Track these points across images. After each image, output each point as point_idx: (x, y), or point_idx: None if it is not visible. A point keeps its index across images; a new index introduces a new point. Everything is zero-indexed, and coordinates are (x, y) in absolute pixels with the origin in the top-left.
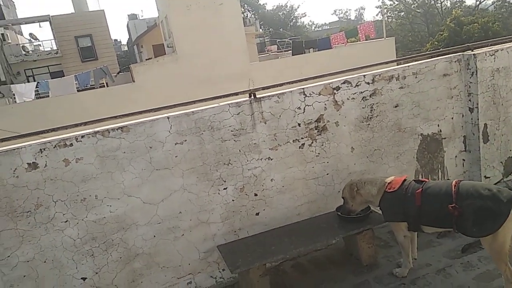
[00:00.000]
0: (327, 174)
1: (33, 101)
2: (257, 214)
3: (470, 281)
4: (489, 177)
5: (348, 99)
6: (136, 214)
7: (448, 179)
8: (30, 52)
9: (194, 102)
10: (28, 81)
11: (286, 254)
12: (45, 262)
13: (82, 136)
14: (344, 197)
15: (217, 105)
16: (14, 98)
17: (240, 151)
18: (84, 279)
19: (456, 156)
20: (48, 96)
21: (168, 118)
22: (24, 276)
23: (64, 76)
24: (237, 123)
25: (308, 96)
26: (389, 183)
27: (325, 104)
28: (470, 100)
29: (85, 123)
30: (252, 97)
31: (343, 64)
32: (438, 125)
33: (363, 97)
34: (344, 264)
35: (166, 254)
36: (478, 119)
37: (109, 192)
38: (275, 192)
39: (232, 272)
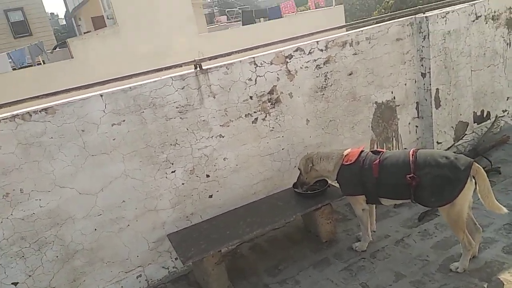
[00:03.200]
0: (283, 149)
1: None
2: (210, 196)
3: (428, 250)
4: (441, 143)
5: (301, 68)
6: (71, 206)
7: (403, 148)
8: None
9: (131, 76)
10: None
11: (242, 237)
12: None
13: None
14: (300, 169)
15: (158, 78)
16: None
17: (187, 129)
18: (15, 284)
19: (409, 123)
20: None
21: (101, 96)
22: None
23: None
24: (182, 98)
25: (259, 66)
26: (345, 155)
27: (278, 74)
28: (422, 65)
29: (0, 106)
30: (198, 68)
31: (294, 33)
32: (392, 92)
33: (317, 65)
34: (303, 241)
35: (110, 247)
36: (430, 84)
37: (37, 184)
38: (229, 171)
39: (184, 264)
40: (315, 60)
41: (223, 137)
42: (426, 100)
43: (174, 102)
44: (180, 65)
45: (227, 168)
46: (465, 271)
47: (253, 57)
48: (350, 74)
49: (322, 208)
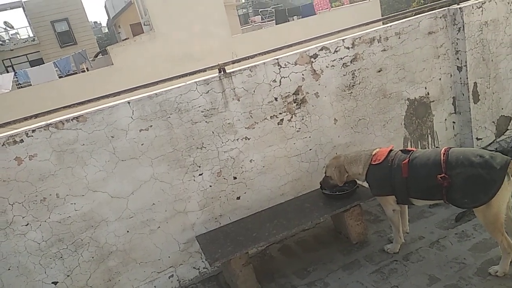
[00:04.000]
0: (310, 149)
1: (10, 92)
2: (238, 198)
3: (465, 253)
4: (481, 139)
5: (327, 67)
6: (104, 209)
7: (437, 147)
8: (7, 41)
9: (157, 82)
10: (8, 72)
11: (268, 240)
12: (9, 269)
13: (33, 131)
14: (328, 175)
15: (183, 84)
16: None
17: (213, 132)
18: (55, 283)
19: (445, 119)
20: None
21: (128, 103)
22: None
23: (43, 63)
24: (207, 102)
25: (284, 67)
26: (374, 155)
27: (303, 75)
28: (458, 59)
29: (36, 115)
30: (222, 72)
31: (328, 30)
32: (425, 88)
33: (344, 64)
34: (332, 243)
35: (142, 249)
36: (467, 78)
37: (72, 189)
38: (256, 173)
39: (211, 265)
40: (341, 58)
41: (248, 139)
42: (463, 94)
43: (199, 107)
44: (204, 70)
45: (254, 170)
46: (505, 275)
47: (277, 59)
48: (379, 71)
49: (351, 209)
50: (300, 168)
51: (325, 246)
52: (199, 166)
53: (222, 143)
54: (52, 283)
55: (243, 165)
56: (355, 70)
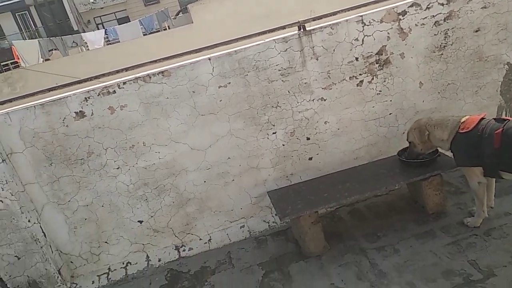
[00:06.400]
0: (390, 114)
1: (101, 48)
2: (310, 159)
3: None
4: None
5: (416, 25)
6: (184, 160)
7: None
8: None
9: (237, 40)
10: (98, 29)
11: (339, 201)
12: (102, 206)
13: (124, 83)
14: (412, 142)
15: (262, 41)
16: (87, 46)
17: (289, 92)
18: (140, 222)
19: None
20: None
21: (209, 59)
22: (85, 219)
23: (129, 21)
24: (284, 61)
25: (368, 25)
26: (462, 122)
27: (388, 33)
28: None
29: (126, 69)
30: (302, 30)
31: None
32: None
33: (436, 22)
34: (406, 211)
35: (217, 199)
36: None
37: (156, 139)
38: (330, 135)
39: (281, 220)
40: (433, 16)
41: (325, 100)
42: None
43: (277, 65)
44: (283, 27)
45: (328, 131)
46: None
47: (361, 16)
48: (476, 31)
49: (430, 178)
50: (378, 133)
51: (397, 213)
52: (273, 125)
53: (297, 103)
54: (138, 221)
55: (317, 126)
56: (448, 29)
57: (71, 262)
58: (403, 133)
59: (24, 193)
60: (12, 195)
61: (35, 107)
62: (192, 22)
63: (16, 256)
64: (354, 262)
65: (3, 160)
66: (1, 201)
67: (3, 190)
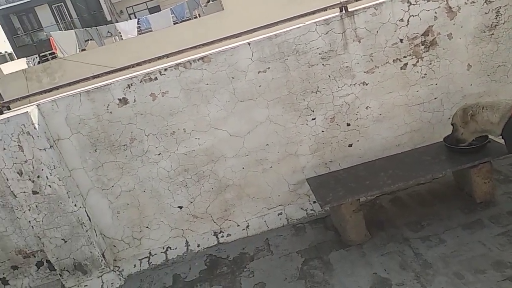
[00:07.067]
0: (435, 98)
1: (135, 37)
2: (350, 145)
3: None
4: None
5: (466, 3)
6: (223, 146)
7: None
8: None
9: (277, 23)
10: (130, 19)
11: (382, 189)
12: (144, 191)
13: (165, 69)
14: (454, 123)
15: (302, 24)
16: (121, 36)
17: (329, 76)
18: (180, 207)
19: None
20: (151, 31)
21: (249, 44)
22: (128, 204)
23: (160, 10)
24: (325, 44)
25: (414, 4)
26: None
27: (436, 13)
28: None
29: (167, 55)
30: (344, 11)
31: None
32: None
33: (487, 0)
34: (452, 200)
35: (255, 185)
36: None
37: (196, 125)
38: (371, 121)
39: (322, 207)
40: None
41: (366, 84)
42: None
43: (317, 49)
44: (325, 9)
45: (369, 117)
46: None
47: None
48: None
49: (479, 166)
50: (422, 118)
51: (442, 202)
52: (313, 111)
53: (338, 87)
54: (178, 207)
55: (358, 112)
56: (500, 7)
57: (114, 246)
58: (449, 118)
59: (71, 178)
60: (59, 180)
61: (81, 94)
62: (223, 9)
63: (63, 239)
64: (397, 252)
65: (51, 146)
66: (49, 185)
67: (51, 175)
